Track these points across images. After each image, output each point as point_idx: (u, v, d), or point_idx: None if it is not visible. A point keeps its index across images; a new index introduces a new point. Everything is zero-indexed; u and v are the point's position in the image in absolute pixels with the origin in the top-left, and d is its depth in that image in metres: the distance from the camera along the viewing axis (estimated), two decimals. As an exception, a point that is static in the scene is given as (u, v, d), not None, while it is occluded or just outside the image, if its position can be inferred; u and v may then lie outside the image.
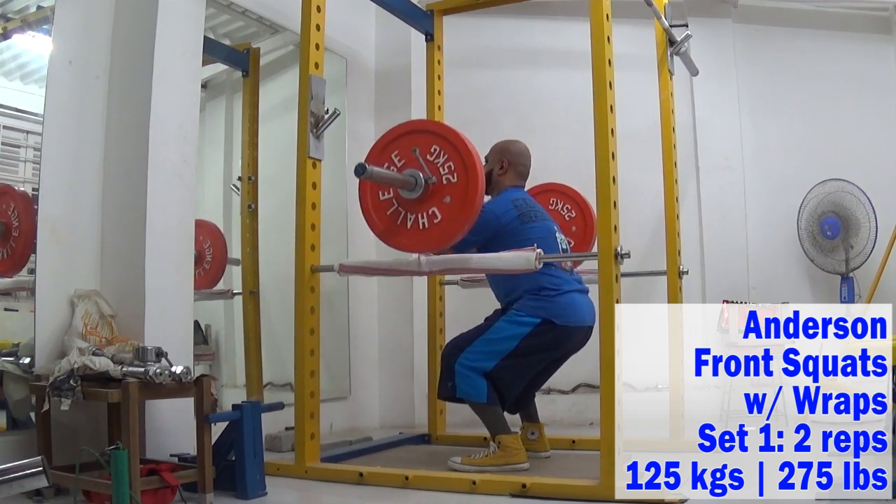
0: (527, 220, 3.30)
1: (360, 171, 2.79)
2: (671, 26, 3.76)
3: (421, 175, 2.91)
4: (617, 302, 2.71)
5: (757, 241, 4.74)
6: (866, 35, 4.87)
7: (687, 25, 3.92)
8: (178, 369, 2.55)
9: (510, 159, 3.47)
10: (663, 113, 3.79)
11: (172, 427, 2.92)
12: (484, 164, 3.35)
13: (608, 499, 2.59)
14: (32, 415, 2.72)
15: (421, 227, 2.93)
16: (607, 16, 2.83)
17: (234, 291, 4.13)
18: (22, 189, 3.18)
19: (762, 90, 4.86)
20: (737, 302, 4.46)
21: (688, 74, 4.26)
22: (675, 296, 3.70)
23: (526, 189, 3.58)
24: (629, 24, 4.09)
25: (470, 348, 3.21)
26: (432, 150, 2.92)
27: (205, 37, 3.34)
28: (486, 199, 3.30)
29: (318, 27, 3.23)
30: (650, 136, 3.93)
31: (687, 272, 3.79)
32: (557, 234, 3.40)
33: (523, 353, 3.18)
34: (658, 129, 3.81)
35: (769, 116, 4.85)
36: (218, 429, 2.77)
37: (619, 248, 2.72)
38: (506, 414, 3.29)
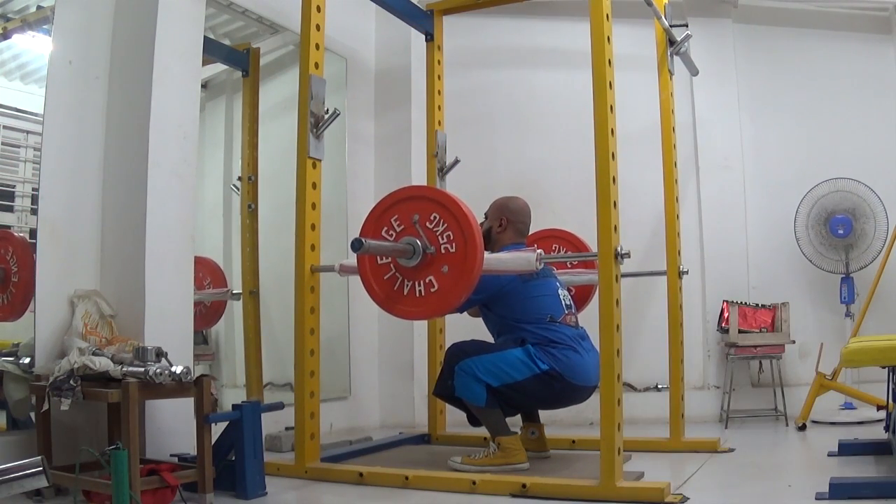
0: (527, 279, 3.26)
1: (356, 246, 2.75)
2: (671, 26, 3.76)
3: (419, 243, 2.88)
4: (617, 302, 2.71)
5: (757, 241, 4.75)
6: (866, 35, 4.86)
7: (687, 25, 3.92)
8: (178, 369, 2.55)
9: (509, 217, 3.46)
10: (663, 113, 3.79)
11: (172, 427, 2.92)
12: (483, 220, 3.37)
13: (608, 498, 2.59)
14: (32, 415, 2.72)
15: (418, 294, 2.89)
16: (607, 16, 2.83)
17: (234, 291, 4.13)
18: (20, 235, 3.12)
19: (762, 90, 4.86)
20: (737, 302, 4.47)
21: (688, 74, 4.26)
22: (675, 296, 3.70)
23: (531, 231, 3.58)
24: (629, 24, 4.10)
25: (477, 358, 3.16)
26: (432, 217, 2.88)
27: (205, 37, 3.34)
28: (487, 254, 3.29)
29: (318, 27, 3.23)
30: (650, 136, 3.93)
31: (687, 272, 3.79)
32: (560, 291, 3.37)
33: (525, 390, 3.14)
34: (658, 129, 3.81)
35: (769, 116, 4.85)
36: (218, 429, 2.77)
37: (619, 248, 2.72)
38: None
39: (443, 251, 2.87)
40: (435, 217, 2.89)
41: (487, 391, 3.14)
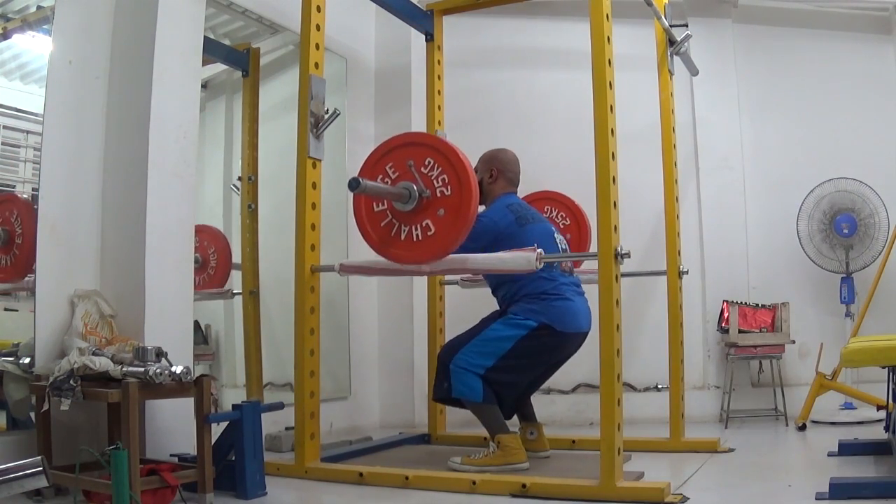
0: (524, 223, 3.31)
1: (353, 185, 2.78)
2: (671, 26, 3.76)
3: (415, 188, 2.91)
4: (617, 302, 2.71)
5: (757, 241, 4.75)
6: (866, 35, 4.86)
7: (687, 25, 3.92)
8: (178, 369, 2.55)
9: (499, 167, 3.49)
10: (663, 113, 3.79)
11: (172, 427, 2.92)
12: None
13: (608, 498, 2.59)
14: (32, 415, 2.72)
15: (415, 238, 2.93)
16: (607, 16, 2.83)
17: (234, 291, 4.13)
18: (24, 196, 3.17)
19: (762, 90, 4.86)
20: (737, 302, 4.47)
21: (688, 74, 4.26)
22: (675, 296, 3.70)
23: (521, 195, 3.59)
24: (629, 24, 4.09)
25: (465, 349, 3.21)
26: (426, 162, 2.92)
27: (205, 37, 3.33)
28: (481, 208, 3.31)
29: (318, 27, 3.23)
30: (650, 136, 3.93)
31: (687, 272, 3.79)
32: (556, 235, 3.41)
33: (518, 354, 3.18)
34: (658, 129, 3.81)
35: (769, 116, 4.85)
36: (218, 429, 2.77)
37: (619, 248, 2.72)
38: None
39: (438, 195, 2.91)
40: (429, 162, 2.93)
41: (483, 382, 3.16)
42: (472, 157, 4.26)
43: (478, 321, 3.46)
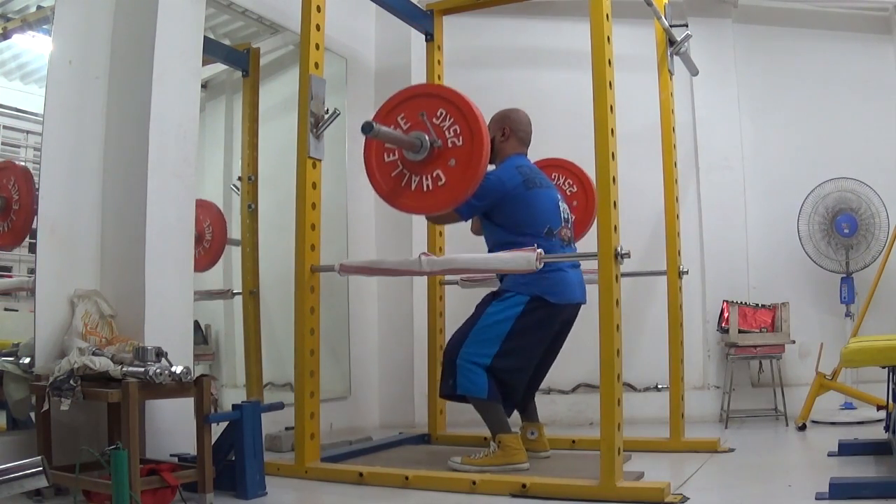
0: (531, 187, 3.30)
1: (367, 128, 2.82)
2: (671, 26, 3.76)
3: (427, 138, 2.93)
4: (617, 302, 2.71)
5: (757, 241, 4.75)
6: (866, 35, 4.86)
7: (687, 25, 3.92)
8: (178, 369, 2.55)
9: (511, 126, 3.49)
10: (663, 113, 3.79)
11: (172, 427, 2.92)
12: None
13: (608, 498, 2.59)
14: (32, 415, 2.72)
15: (425, 189, 2.96)
16: (607, 16, 2.83)
17: (234, 291, 4.13)
18: (22, 164, 3.18)
19: (762, 90, 4.86)
20: (737, 302, 4.47)
21: (688, 74, 4.26)
22: (675, 296, 3.70)
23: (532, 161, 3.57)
24: (629, 24, 4.09)
25: (468, 341, 3.21)
26: (438, 113, 2.96)
27: (205, 37, 3.34)
28: (490, 168, 3.31)
29: (318, 27, 3.23)
30: (650, 136, 3.93)
31: (687, 272, 3.79)
32: (560, 204, 3.40)
33: (519, 334, 3.18)
34: (658, 129, 3.81)
35: (769, 116, 4.85)
36: (218, 429, 2.77)
37: (619, 248, 2.72)
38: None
39: (450, 145, 2.94)
40: (441, 112, 2.96)
41: (488, 376, 3.16)
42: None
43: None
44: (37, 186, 2.91)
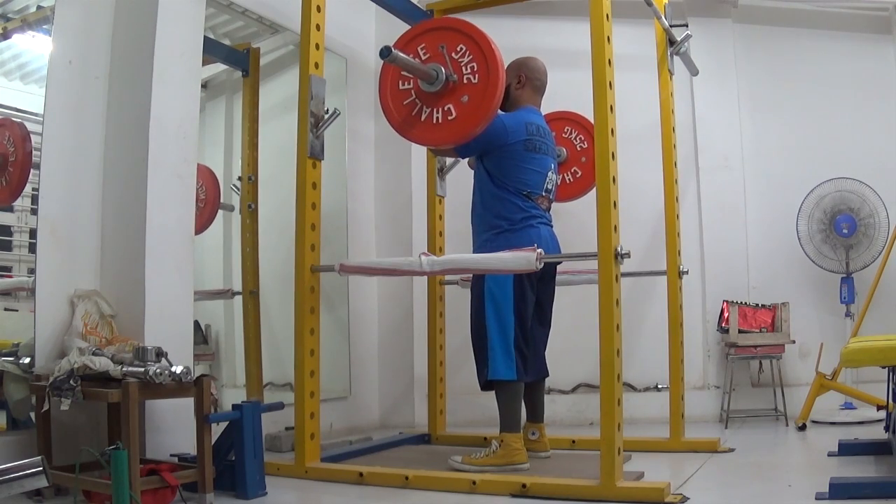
0: (531, 149, 3.30)
1: (385, 53, 2.85)
2: (671, 26, 3.76)
3: (443, 70, 2.95)
4: (617, 302, 2.71)
5: (757, 241, 4.75)
6: (866, 35, 4.86)
7: (687, 25, 3.92)
8: (178, 369, 2.55)
9: (527, 74, 3.48)
10: (663, 113, 3.79)
11: (172, 427, 2.92)
12: None
13: (608, 498, 2.59)
14: (32, 415, 2.72)
15: (435, 121, 2.98)
16: (607, 16, 2.83)
17: (234, 291, 4.13)
18: (18, 120, 3.17)
19: (762, 90, 4.86)
20: (737, 302, 4.47)
21: (688, 74, 4.26)
22: (675, 296, 3.70)
23: (542, 112, 3.58)
24: (629, 24, 4.09)
25: (490, 327, 3.21)
26: (458, 48, 2.97)
27: (205, 37, 3.34)
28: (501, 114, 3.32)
29: (318, 27, 3.23)
30: (650, 136, 3.93)
31: (687, 272, 3.79)
32: (550, 174, 3.40)
33: (518, 297, 3.21)
34: (658, 129, 3.81)
35: (769, 116, 4.85)
36: (218, 429, 2.77)
37: (619, 248, 2.72)
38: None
39: (465, 81, 2.96)
40: (461, 48, 2.98)
41: (516, 353, 3.17)
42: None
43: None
44: (30, 142, 2.96)
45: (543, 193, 3.36)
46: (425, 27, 3.12)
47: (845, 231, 4.44)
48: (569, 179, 4.10)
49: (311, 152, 3.17)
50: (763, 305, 4.47)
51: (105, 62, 3.12)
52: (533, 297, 3.32)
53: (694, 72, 4.19)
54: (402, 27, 4.30)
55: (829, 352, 4.13)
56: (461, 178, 4.20)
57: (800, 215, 4.51)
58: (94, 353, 2.62)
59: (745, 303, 4.49)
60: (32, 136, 3.14)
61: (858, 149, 4.70)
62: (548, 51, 4.81)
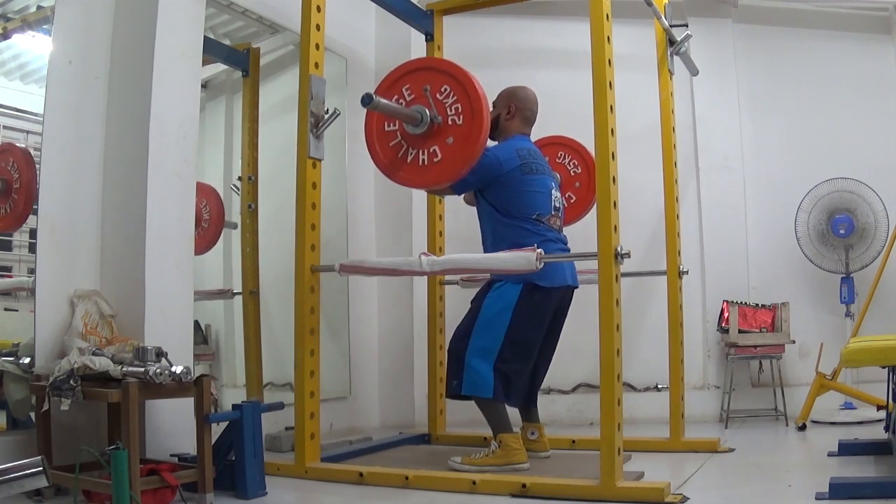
0: (527, 172, 3.30)
1: (366, 100, 2.84)
2: (671, 26, 3.76)
3: (427, 112, 2.94)
4: (617, 302, 2.71)
5: (757, 241, 4.75)
6: (866, 35, 4.87)
7: (687, 25, 3.92)
8: (178, 369, 2.55)
9: (517, 104, 3.48)
10: (663, 113, 3.79)
11: (172, 427, 2.92)
12: (491, 109, 3.36)
13: (608, 498, 2.59)
14: (32, 415, 2.72)
15: (421, 163, 2.98)
16: (607, 16, 2.83)
17: (234, 291, 4.13)
18: (22, 146, 3.17)
19: (762, 90, 4.86)
20: (737, 302, 4.47)
21: (688, 74, 4.26)
22: (675, 296, 3.70)
23: (533, 140, 3.58)
24: (629, 24, 4.09)
25: (473, 337, 3.20)
26: (442, 89, 2.97)
27: (205, 37, 3.33)
28: (492, 144, 3.31)
29: (318, 27, 3.23)
30: (650, 136, 3.93)
31: (687, 272, 3.79)
32: (554, 192, 3.40)
33: (519, 323, 3.18)
34: (658, 129, 3.81)
35: (769, 116, 4.86)
36: (218, 429, 2.77)
37: (619, 248, 2.72)
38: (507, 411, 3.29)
39: (450, 122, 2.95)
40: (446, 89, 2.97)
41: (495, 375, 3.15)
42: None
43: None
44: (38, 168, 2.92)
45: (553, 213, 3.35)
46: (409, 67, 3.09)
47: (842, 231, 4.45)
48: (564, 205, 4.08)
49: (311, 152, 3.17)
50: (763, 305, 4.47)
51: (105, 62, 3.12)
52: (542, 327, 3.30)
53: (694, 72, 4.19)
54: (403, 27, 4.33)
55: (829, 352, 4.13)
56: (461, 178, 4.21)
57: (798, 216, 4.51)
58: (94, 353, 2.62)
59: (745, 303, 4.49)
60: (32, 136, 3.15)
61: (858, 149, 4.70)
62: (548, 51, 4.85)
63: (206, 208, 4.04)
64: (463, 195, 3.55)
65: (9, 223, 3.12)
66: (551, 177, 3.46)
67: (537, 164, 3.37)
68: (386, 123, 3.07)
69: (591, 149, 3.84)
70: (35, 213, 2.90)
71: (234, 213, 4.17)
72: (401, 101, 3.02)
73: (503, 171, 3.25)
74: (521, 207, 3.26)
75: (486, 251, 3.38)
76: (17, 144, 3.19)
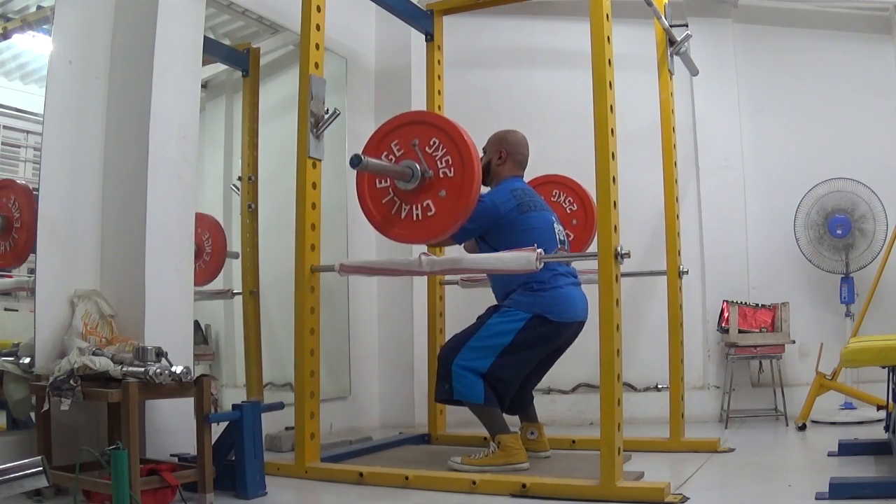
0: (526, 210, 3.30)
1: (355, 162, 2.81)
2: (671, 26, 3.76)
3: (418, 167, 2.92)
4: (617, 302, 2.71)
5: (757, 241, 4.75)
6: (866, 35, 4.87)
7: (687, 25, 3.92)
8: (178, 369, 2.55)
9: (508, 149, 3.47)
10: (663, 113, 3.79)
11: (172, 427, 2.92)
12: (482, 154, 3.36)
13: (608, 498, 2.59)
14: (32, 415, 2.72)
15: (415, 218, 2.95)
16: (607, 16, 2.83)
17: (234, 291, 4.13)
18: (23, 182, 3.17)
19: (762, 90, 4.86)
20: (737, 302, 4.47)
21: (688, 74, 4.26)
22: (675, 296, 3.70)
23: (527, 180, 3.58)
24: (629, 24, 4.10)
25: (465, 348, 3.20)
26: (431, 142, 2.94)
27: (205, 37, 3.34)
28: (486, 189, 3.31)
29: (318, 27, 3.23)
30: (650, 136, 3.93)
31: (687, 272, 3.79)
32: (555, 226, 3.40)
33: (518, 348, 3.18)
34: (658, 129, 3.81)
35: (769, 116, 4.85)
36: (218, 429, 2.77)
37: (619, 248, 2.72)
38: (505, 414, 3.30)
39: (441, 175, 2.92)
40: (434, 142, 2.94)
41: (485, 382, 3.15)
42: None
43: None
44: (37, 204, 2.88)
45: (559, 247, 3.34)
46: (396, 123, 3.07)
47: (839, 232, 4.45)
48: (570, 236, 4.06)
49: (311, 152, 3.17)
50: (763, 305, 4.47)
51: (105, 62, 3.12)
52: (542, 356, 3.29)
53: (694, 72, 4.19)
54: (403, 27, 4.33)
55: (829, 352, 4.14)
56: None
57: (797, 216, 4.51)
58: (94, 353, 2.62)
59: (745, 303, 4.49)
60: (32, 136, 3.15)
61: (858, 149, 4.70)
62: (548, 51, 4.85)
63: (208, 241, 4.05)
64: (464, 245, 3.52)
65: (9, 261, 3.10)
66: (549, 211, 3.45)
67: (534, 202, 3.37)
68: (377, 180, 3.04)
69: (584, 172, 3.87)
70: (35, 252, 2.88)
71: (234, 229, 4.17)
72: (390, 157, 2.99)
73: (501, 214, 3.24)
74: (526, 246, 3.24)
75: (497, 294, 3.38)
76: (18, 181, 3.19)
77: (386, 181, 3.02)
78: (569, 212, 3.97)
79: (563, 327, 3.24)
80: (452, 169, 2.90)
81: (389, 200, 3.02)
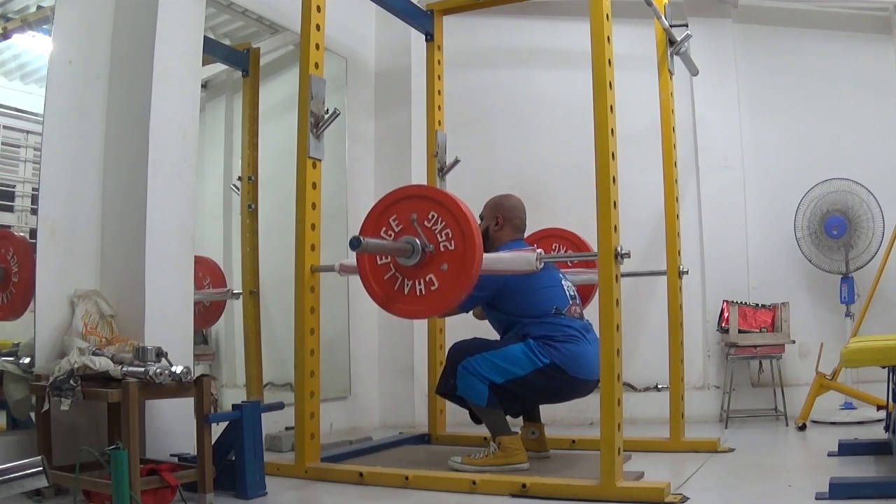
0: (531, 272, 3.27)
1: (355, 244, 2.73)
2: (671, 26, 3.76)
3: (418, 242, 2.87)
4: (617, 302, 2.71)
5: (757, 241, 4.75)
6: (866, 35, 4.87)
7: (687, 25, 3.92)
8: (178, 369, 2.55)
9: (504, 214, 3.46)
10: (663, 113, 3.79)
11: (172, 427, 2.92)
12: (479, 221, 3.35)
13: (608, 498, 2.59)
14: (32, 415, 2.72)
15: (419, 293, 2.89)
16: (607, 16, 2.83)
17: (235, 291, 4.13)
18: (21, 234, 3.13)
19: (762, 90, 4.87)
20: (737, 302, 4.47)
21: (688, 74, 4.26)
22: (675, 296, 3.70)
23: (526, 234, 3.58)
24: (629, 24, 4.10)
25: (479, 355, 3.16)
26: (430, 216, 2.88)
27: (205, 37, 3.34)
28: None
29: (318, 27, 3.23)
30: (650, 136, 3.93)
31: (687, 272, 3.79)
32: (564, 282, 3.37)
33: (528, 385, 3.14)
34: (658, 129, 3.81)
35: (769, 116, 4.85)
36: (218, 429, 2.77)
37: (619, 248, 2.72)
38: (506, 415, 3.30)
39: (442, 249, 2.87)
40: (433, 216, 2.89)
41: (489, 389, 3.14)
42: (472, 157, 4.32)
43: (478, 320, 3.47)
44: (35, 255, 2.86)
45: (570, 303, 3.31)
46: (394, 198, 3.01)
47: (835, 233, 4.45)
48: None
49: (311, 152, 3.17)
50: (763, 305, 4.47)
51: (105, 62, 3.12)
52: (544, 394, 3.27)
53: (694, 72, 4.19)
54: (403, 27, 4.33)
55: (829, 352, 4.14)
56: (462, 178, 4.21)
57: (797, 216, 4.51)
58: (94, 353, 2.62)
59: (745, 303, 4.49)
60: (32, 136, 3.15)
61: (858, 149, 4.70)
62: (547, 51, 4.85)
63: (208, 286, 4.05)
64: (473, 312, 3.49)
65: (6, 314, 3.04)
66: (555, 268, 3.43)
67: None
68: (378, 257, 2.99)
69: (582, 234, 3.87)
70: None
71: (234, 231, 4.16)
72: (389, 233, 2.95)
73: (507, 280, 3.21)
74: (537, 306, 3.22)
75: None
76: (16, 233, 3.15)
77: (387, 257, 2.97)
78: (570, 264, 3.88)
79: (580, 383, 3.20)
80: (453, 242, 2.85)
81: (391, 276, 2.95)
